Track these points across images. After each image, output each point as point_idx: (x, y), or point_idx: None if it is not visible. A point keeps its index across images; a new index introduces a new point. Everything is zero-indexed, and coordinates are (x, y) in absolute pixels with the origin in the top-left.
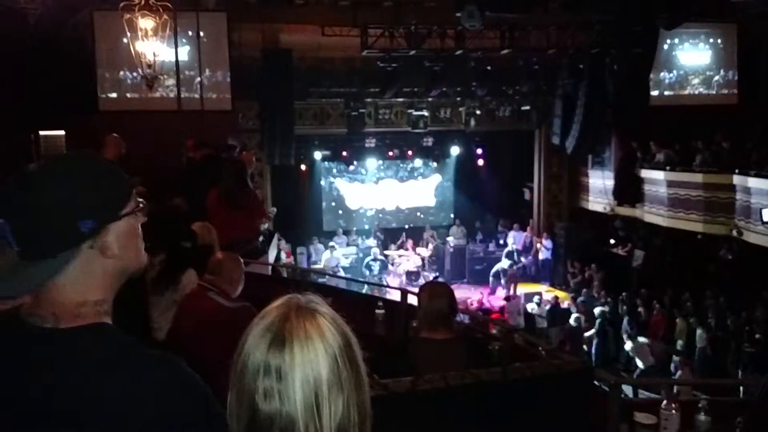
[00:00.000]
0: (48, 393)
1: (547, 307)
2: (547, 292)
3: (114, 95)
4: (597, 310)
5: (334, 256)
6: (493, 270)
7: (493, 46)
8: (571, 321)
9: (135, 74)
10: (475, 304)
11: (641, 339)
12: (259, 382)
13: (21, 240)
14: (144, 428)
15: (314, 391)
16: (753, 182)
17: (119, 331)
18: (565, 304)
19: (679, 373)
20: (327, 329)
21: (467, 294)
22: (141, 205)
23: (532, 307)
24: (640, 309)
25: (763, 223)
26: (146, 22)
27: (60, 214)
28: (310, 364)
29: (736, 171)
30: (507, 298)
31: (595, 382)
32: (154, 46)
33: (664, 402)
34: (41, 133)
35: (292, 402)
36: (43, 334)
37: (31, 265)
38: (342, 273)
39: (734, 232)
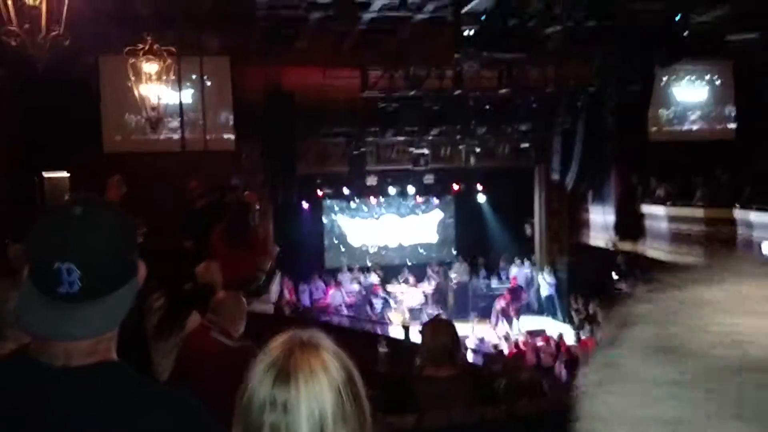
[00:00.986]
0: (59, 427)
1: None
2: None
3: (118, 137)
4: None
5: (339, 293)
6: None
7: (491, 85)
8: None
9: (139, 117)
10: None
11: None
12: (265, 417)
13: (85, 281)
14: None
15: (320, 424)
16: (754, 216)
17: (129, 368)
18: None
19: None
20: (331, 363)
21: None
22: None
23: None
24: None
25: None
26: (150, 67)
27: (119, 253)
28: (315, 398)
29: (737, 205)
30: (506, 336)
31: None
32: (158, 89)
33: None
34: (45, 174)
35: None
36: (57, 372)
37: (87, 306)
38: (345, 310)
39: None
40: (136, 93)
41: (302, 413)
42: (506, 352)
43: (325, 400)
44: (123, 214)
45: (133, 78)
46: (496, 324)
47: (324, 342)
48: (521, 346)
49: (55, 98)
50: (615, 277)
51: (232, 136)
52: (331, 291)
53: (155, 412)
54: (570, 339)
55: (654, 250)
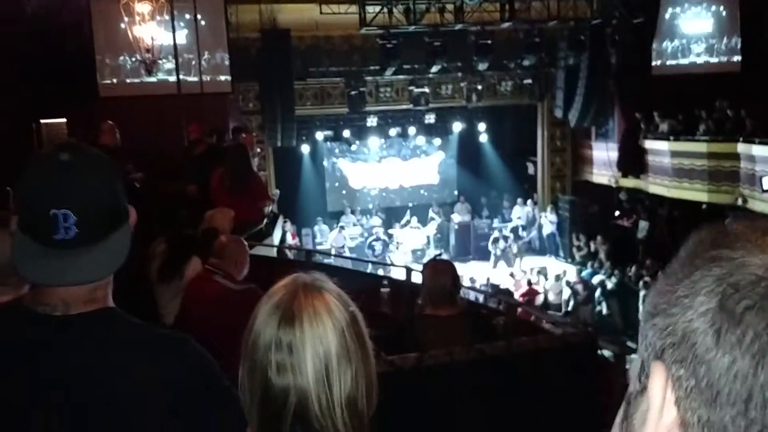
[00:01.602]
0: (64, 375)
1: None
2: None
3: (113, 81)
4: (595, 280)
5: (341, 236)
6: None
7: (492, 19)
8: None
9: (134, 59)
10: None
11: None
12: (271, 357)
13: (81, 226)
14: (161, 402)
15: (324, 364)
16: (757, 150)
17: (128, 314)
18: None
19: None
20: (334, 305)
21: (473, 271)
22: None
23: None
24: (646, 279)
25: (764, 191)
26: (143, 6)
27: (110, 197)
28: (319, 339)
29: (740, 139)
30: (512, 275)
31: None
32: (151, 30)
33: None
34: (42, 121)
35: (304, 375)
36: (58, 321)
37: (84, 252)
38: (348, 253)
39: (739, 201)
40: (129, 34)
41: (307, 353)
42: (516, 292)
43: (329, 341)
44: (108, 158)
45: (126, 19)
46: (496, 264)
47: (327, 284)
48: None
49: (48, 44)
50: (617, 213)
51: (228, 78)
52: (333, 234)
53: (157, 357)
54: (572, 276)
55: (656, 185)
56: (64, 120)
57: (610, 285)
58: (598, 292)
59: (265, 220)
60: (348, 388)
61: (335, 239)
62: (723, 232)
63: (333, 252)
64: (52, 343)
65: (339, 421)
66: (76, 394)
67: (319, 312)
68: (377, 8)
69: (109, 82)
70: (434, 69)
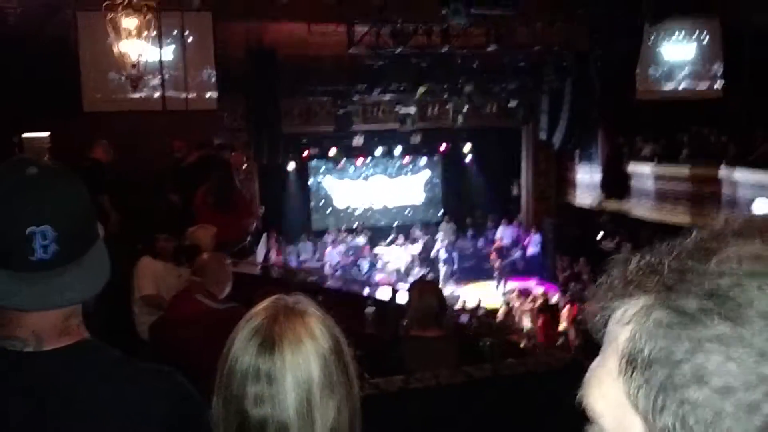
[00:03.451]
0: (43, 416)
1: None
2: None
3: (98, 96)
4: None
5: (334, 252)
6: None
7: (479, 43)
8: None
9: (119, 75)
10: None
11: None
12: (249, 388)
13: (62, 242)
14: None
15: (306, 394)
16: (738, 175)
17: (106, 346)
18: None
19: None
20: (318, 330)
21: (458, 291)
22: None
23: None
24: None
25: None
26: (130, 22)
27: (84, 210)
28: (300, 367)
29: (722, 164)
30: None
31: None
32: (138, 46)
33: None
34: (24, 135)
35: (284, 407)
36: (28, 359)
37: (63, 272)
38: (332, 272)
39: None
40: (115, 50)
41: (287, 383)
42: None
43: (312, 369)
44: (71, 171)
45: (112, 34)
46: (498, 284)
47: (309, 308)
48: (514, 307)
49: (33, 57)
50: (600, 235)
51: (214, 95)
52: (328, 250)
53: (143, 394)
54: (555, 299)
55: (639, 208)
56: (47, 134)
57: None
58: None
59: (248, 238)
60: (331, 419)
61: (329, 255)
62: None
63: (327, 269)
64: (24, 387)
65: None
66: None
67: (301, 338)
68: (365, 29)
69: (93, 96)
70: (421, 90)
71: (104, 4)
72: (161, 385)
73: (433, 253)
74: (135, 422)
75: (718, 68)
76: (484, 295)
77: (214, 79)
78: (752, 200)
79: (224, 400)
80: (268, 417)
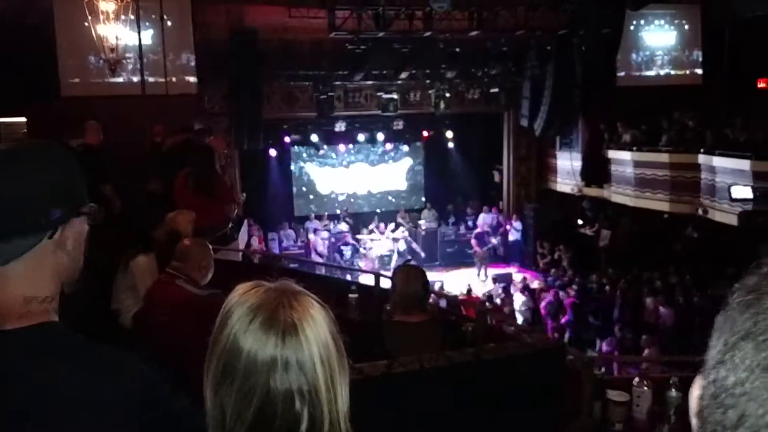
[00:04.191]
0: (3, 395)
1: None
2: (517, 273)
3: (77, 80)
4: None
5: (319, 238)
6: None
7: (461, 27)
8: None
9: (97, 58)
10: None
11: None
12: (277, 377)
13: None
14: (98, 422)
15: (329, 374)
16: (717, 161)
17: (68, 330)
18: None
19: (646, 351)
20: (322, 310)
21: (440, 277)
22: (93, 207)
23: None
24: (606, 288)
25: (732, 200)
26: (107, 5)
27: (36, 198)
28: (321, 344)
29: (701, 150)
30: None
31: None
32: (116, 29)
33: (636, 379)
34: (1, 120)
35: (318, 389)
36: None
37: None
38: (317, 258)
39: (700, 211)
40: (93, 33)
41: (317, 365)
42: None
43: (330, 349)
44: (75, 166)
45: (90, 17)
46: (479, 271)
47: (306, 291)
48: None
49: (9, 41)
50: (580, 222)
51: (193, 79)
52: (313, 237)
53: (95, 371)
54: (535, 284)
55: (619, 195)
56: (23, 119)
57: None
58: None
59: (229, 224)
60: (346, 398)
61: (315, 242)
62: None
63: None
64: None
65: None
66: (7, 412)
67: (315, 318)
68: (347, 13)
69: (72, 81)
70: (402, 75)
71: None
72: (120, 367)
73: (412, 244)
74: (93, 404)
75: (697, 55)
76: (465, 281)
77: (193, 63)
78: (730, 187)
79: (238, 394)
80: (298, 407)
